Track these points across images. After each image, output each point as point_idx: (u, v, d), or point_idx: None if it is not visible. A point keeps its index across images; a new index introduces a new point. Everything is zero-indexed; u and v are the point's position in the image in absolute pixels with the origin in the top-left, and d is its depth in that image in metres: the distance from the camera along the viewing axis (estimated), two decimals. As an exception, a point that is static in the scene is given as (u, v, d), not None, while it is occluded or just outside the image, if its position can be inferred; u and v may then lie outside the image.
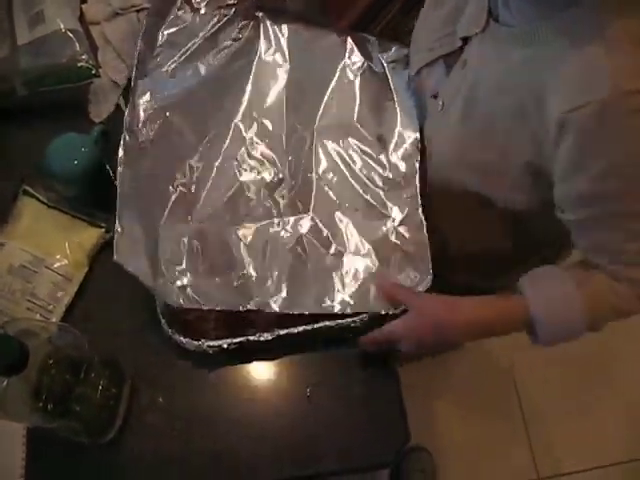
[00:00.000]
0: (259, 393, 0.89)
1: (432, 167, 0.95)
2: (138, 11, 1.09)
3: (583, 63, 0.67)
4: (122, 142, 0.89)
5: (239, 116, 0.98)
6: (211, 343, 0.85)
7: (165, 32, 1.01)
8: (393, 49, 1.04)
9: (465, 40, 0.85)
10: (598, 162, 0.69)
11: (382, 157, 0.96)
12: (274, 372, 0.90)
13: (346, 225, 0.92)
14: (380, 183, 0.95)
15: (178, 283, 0.86)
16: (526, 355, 1.80)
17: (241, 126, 0.98)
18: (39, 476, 0.84)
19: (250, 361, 0.89)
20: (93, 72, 1.00)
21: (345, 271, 0.89)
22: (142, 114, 0.94)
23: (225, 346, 0.85)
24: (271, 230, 0.91)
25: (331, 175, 0.95)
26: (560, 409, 1.80)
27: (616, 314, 0.80)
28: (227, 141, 0.97)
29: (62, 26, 1.01)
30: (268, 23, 1.04)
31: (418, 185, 0.93)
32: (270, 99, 1.00)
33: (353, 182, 0.95)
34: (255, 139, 0.97)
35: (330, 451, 0.86)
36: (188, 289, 0.86)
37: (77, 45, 1.01)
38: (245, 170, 0.95)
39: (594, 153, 0.69)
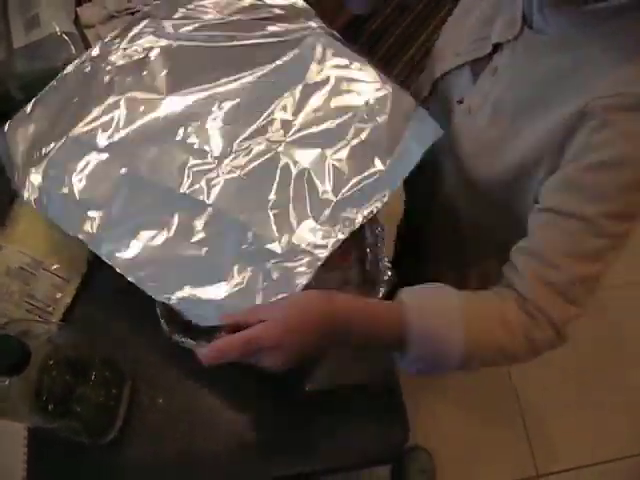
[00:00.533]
0: (259, 392, 0.89)
1: (461, 169, 0.93)
2: (133, 14, 1.10)
3: (628, 63, 0.68)
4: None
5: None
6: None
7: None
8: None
9: (495, 47, 0.85)
10: (603, 151, 0.69)
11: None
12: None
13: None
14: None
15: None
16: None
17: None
18: (41, 476, 0.84)
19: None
20: (89, 74, 1.00)
21: None
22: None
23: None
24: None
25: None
26: (558, 407, 1.81)
27: (500, 354, 0.75)
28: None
29: (58, 29, 1.02)
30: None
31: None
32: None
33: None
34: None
35: (329, 449, 0.86)
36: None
37: (73, 48, 1.02)
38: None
39: (605, 140, 0.68)
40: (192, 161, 0.87)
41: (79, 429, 0.80)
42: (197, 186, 0.85)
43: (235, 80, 0.94)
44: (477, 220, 0.98)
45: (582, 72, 0.72)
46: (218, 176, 0.86)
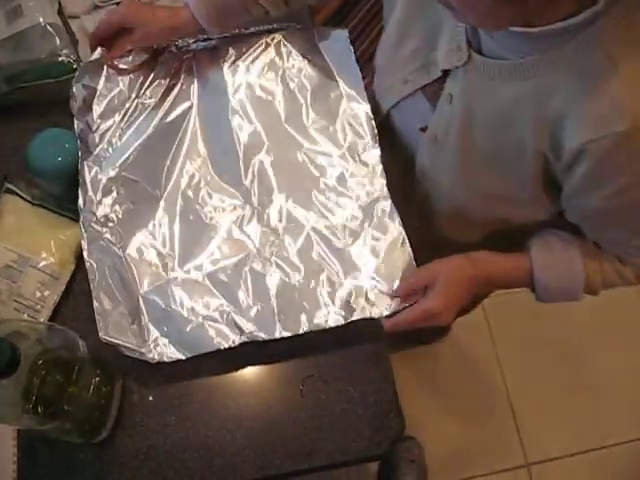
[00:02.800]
0: (251, 388, 0.88)
1: (432, 198, 0.95)
2: (117, 4, 1.07)
3: (597, 93, 0.68)
4: (82, 225, 0.88)
5: (190, 161, 0.94)
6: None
7: (99, 104, 0.96)
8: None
9: (445, 72, 0.83)
10: (611, 184, 0.73)
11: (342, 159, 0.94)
12: (267, 367, 0.89)
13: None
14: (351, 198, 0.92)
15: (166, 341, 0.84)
16: (512, 343, 1.82)
17: (194, 170, 0.94)
18: (31, 477, 0.83)
19: (243, 358, 0.88)
20: (74, 67, 0.98)
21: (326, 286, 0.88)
22: (94, 193, 0.90)
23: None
24: (249, 263, 0.88)
25: (294, 195, 0.92)
26: (547, 396, 1.82)
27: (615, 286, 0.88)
28: (182, 188, 0.93)
29: (41, 20, 0.99)
30: (203, 53, 1.00)
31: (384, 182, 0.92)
32: (219, 134, 0.96)
33: (317, 199, 0.92)
34: (212, 176, 0.93)
35: (324, 445, 0.86)
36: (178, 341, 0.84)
37: (57, 40, 0.99)
38: (209, 211, 0.91)
39: (607, 177, 0.72)
40: None
41: (70, 430, 0.79)
42: None
43: None
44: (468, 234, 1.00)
45: (554, 99, 0.71)
46: None
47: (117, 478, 0.83)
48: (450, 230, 1.00)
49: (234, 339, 0.84)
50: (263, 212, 0.91)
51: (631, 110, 0.66)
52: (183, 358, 0.83)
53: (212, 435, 0.85)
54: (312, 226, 0.90)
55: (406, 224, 0.90)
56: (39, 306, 0.87)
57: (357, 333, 0.89)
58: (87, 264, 0.86)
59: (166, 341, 0.83)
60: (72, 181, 0.90)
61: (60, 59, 0.98)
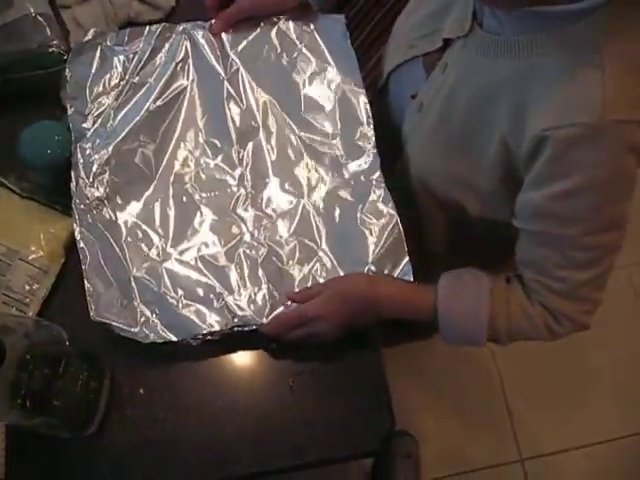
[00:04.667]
0: (242, 383, 0.88)
1: (410, 166, 0.94)
2: (109, -6, 1.06)
3: (576, 83, 0.66)
4: (73, 207, 0.87)
5: (184, 143, 0.93)
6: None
7: (93, 86, 0.94)
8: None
9: (447, 42, 0.83)
10: (563, 182, 0.69)
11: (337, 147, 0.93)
12: (257, 362, 0.89)
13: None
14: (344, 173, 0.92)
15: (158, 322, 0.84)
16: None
17: (187, 153, 0.93)
18: (21, 472, 0.82)
19: (233, 351, 0.88)
20: (65, 57, 0.97)
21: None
22: (86, 174, 0.89)
23: (210, 337, 0.84)
24: (242, 247, 0.88)
25: (287, 179, 0.92)
26: (542, 391, 1.81)
27: (523, 337, 0.84)
28: (175, 169, 0.92)
29: (32, 10, 0.98)
30: (199, 35, 0.99)
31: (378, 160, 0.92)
32: (213, 117, 0.95)
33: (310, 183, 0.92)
34: (206, 160, 0.93)
35: (315, 441, 0.85)
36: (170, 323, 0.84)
37: (48, 30, 0.97)
38: (203, 194, 0.91)
39: (563, 172, 0.69)
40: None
41: (59, 424, 0.78)
42: None
43: None
44: (434, 215, 0.98)
45: (534, 83, 0.70)
46: None
47: (107, 471, 0.83)
48: (419, 206, 0.98)
49: (226, 322, 0.83)
50: (257, 196, 0.90)
51: (603, 104, 0.64)
52: (174, 340, 0.82)
53: (203, 429, 0.85)
54: (305, 211, 0.89)
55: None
56: (28, 300, 0.86)
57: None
58: (79, 245, 0.85)
59: (158, 322, 0.83)
60: (62, 174, 0.88)
61: (51, 50, 0.96)
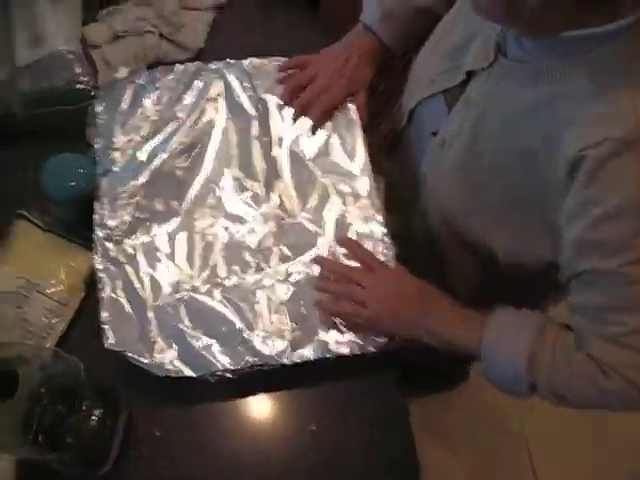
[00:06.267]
0: (261, 426, 0.85)
1: (431, 204, 0.93)
2: (140, 34, 1.07)
3: (606, 102, 0.65)
4: (95, 238, 0.86)
5: (213, 178, 0.93)
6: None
7: (122, 121, 0.95)
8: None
9: (469, 75, 0.83)
10: (603, 204, 0.67)
11: None
12: (277, 404, 0.86)
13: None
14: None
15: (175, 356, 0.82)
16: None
17: (215, 186, 0.93)
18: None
19: (253, 393, 0.85)
20: (92, 94, 0.98)
21: None
22: (110, 206, 0.89)
23: (229, 375, 0.81)
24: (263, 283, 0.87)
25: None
26: (566, 445, 1.75)
27: (566, 389, 0.76)
28: (203, 204, 0.92)
29: (62, 47, 0.99)
30: (231, 74, 1.00)
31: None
32: (243, 153, 0.95)
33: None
34: (234, 195, 0.92)
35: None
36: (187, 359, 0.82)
37: (77, 67, 0.99)
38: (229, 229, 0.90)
39: (602, 193, 0.67)
40: None
41: (71, 461, 0.75)
42: None
43: None
44: (457, 256, 0.95)
45: (563, 107, 0.69)
46: None
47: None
48: (446, 251, 0.96)
49: (246, 361, 0.81)
50: (283, 233, 0.90)
51: (636, 118, 0.63)
52: (191, 375, 0.80)
53: (219, 474, 0.82)
54: (332, 251, 0.89)
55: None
56: (45, 333, 0.85)
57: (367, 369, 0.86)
58: (97, 275, 0.85)
59: (175, 356, 0.81)
60: (85, 207, 0.88)
61: (78, 87, 0.98)
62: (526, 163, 0.74)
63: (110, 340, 0.81)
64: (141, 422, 0.83)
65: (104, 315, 0.82)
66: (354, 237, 0.89)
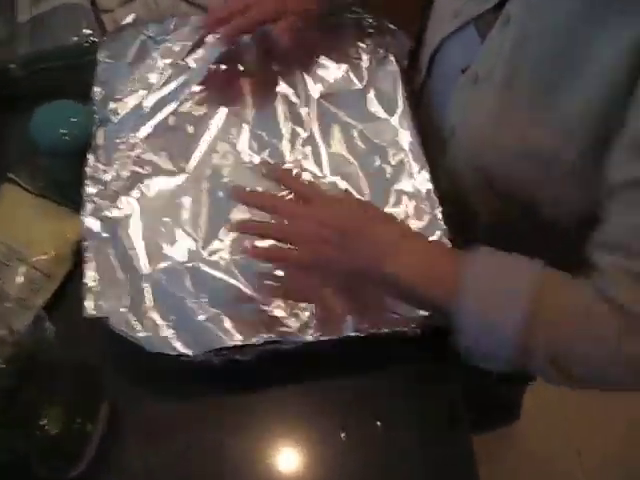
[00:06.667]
0: (275, 431, 0.68)
1: (460, 156, 0.78)
2: (148, -7, 0.97)
3: None
4: (85, 194, 0.73)
5: (227, 134, 0.80)
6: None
7: (127, 71, 0.84)
8: None
9: None
10: None
11: None
12: (298, 399, 0.70)
13: None
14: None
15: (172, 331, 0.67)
16: (588, 424, 1.58)
17: (229, 144, 0.80)
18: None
19: (267, 382, 0.69)
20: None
21: None
22: (106, 159, 0.77)
23: (237, 355, 0.66)
24: None
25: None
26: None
27: (574, 348, 0.57)
28: (213, 162, 0.79)
29: (68, 1, 0.89)
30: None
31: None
32: (264, 108, 0.83)
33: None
34: (251, 154, 0.79)
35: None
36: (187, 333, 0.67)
37: (84, 22, 0.89)
38: None
39: None
40: None
41: (38, 454, 0.61)
42: None
43: None
44: (494, 214, 0.79)
45: None
46: None
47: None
48: (476, 204, 0.80)
49: (259, 336, 0.65)
50: None
51: None
52: (189, 354, 0.65)
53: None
54: None
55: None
56: (21, 307, 0.71)
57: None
58: (84, 237, 0.71)
59: (171, 332, 0.66)
60: (78, 162, 0.75)
61: (85, 44, 0.87)
62: (590, 73, 0.59)
63: (91, 306, 0.66)
64: (126, 417, 0.68)
65: (88, 275, 0.68)
66: (394, 195, 0.75)
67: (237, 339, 0.65)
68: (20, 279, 0.72)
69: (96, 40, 0.87)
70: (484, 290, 0.58)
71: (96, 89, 0.81)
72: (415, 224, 0.73)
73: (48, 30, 0.88)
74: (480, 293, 0.58)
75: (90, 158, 0.75)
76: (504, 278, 0.59)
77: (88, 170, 0.74)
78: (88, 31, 0.87)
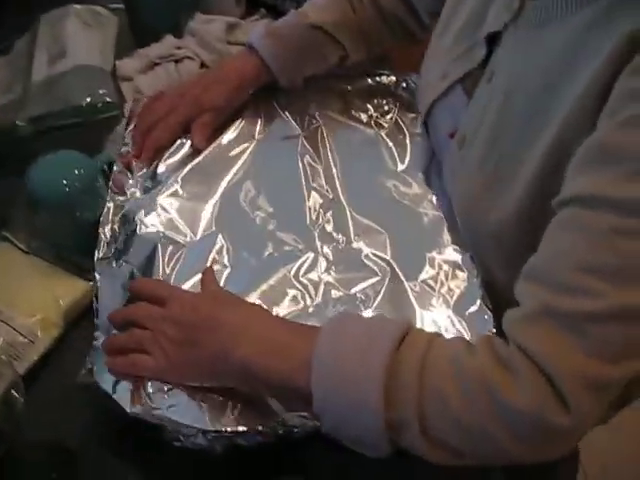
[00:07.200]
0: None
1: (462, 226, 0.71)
2: (177, 61, 0.94)
3: None
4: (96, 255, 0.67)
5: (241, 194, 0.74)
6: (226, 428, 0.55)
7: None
8: None
9: (490, 46, 0.65)
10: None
11: None
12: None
13: None
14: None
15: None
16: None
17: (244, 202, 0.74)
18: None
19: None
20: (114, 110, 0.83)
21: None
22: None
23: (239, 440, 0.55)
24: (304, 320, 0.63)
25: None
26: None
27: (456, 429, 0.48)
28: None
29: (85, 62, 0.86)
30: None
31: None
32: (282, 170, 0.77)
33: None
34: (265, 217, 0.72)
35: None
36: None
37: (99, 82, 0.85)
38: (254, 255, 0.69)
39: None
40: None
41: None
42: None
43: None
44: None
45: (624, 8, 0.49)
46: None
47: None
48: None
49: (261, 423, 0.55)
50: (329, 262, 0.68)
51: None
52: (182, 423, 0.54)
53: None
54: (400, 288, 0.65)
55: None
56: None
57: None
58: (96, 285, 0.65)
59: (164, 402, 0.56)
60: (75, 217, 0.69)
61: (99, 104, 0.82)
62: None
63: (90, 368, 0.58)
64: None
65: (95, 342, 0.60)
66: (428, 261, 0.67)
67: (234, 423, 0.55)
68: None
69: (110, 100, 0.82)
70: (334, 372, 0.51)
71: (121, 145, 0.77)
72: (453, 291, 0.64)
73: (62, 90, 0.84)
74: (330, 375, 0.51)
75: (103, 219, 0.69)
76: (355, 357, 0.51)
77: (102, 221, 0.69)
78: (102, 91, 0.83)
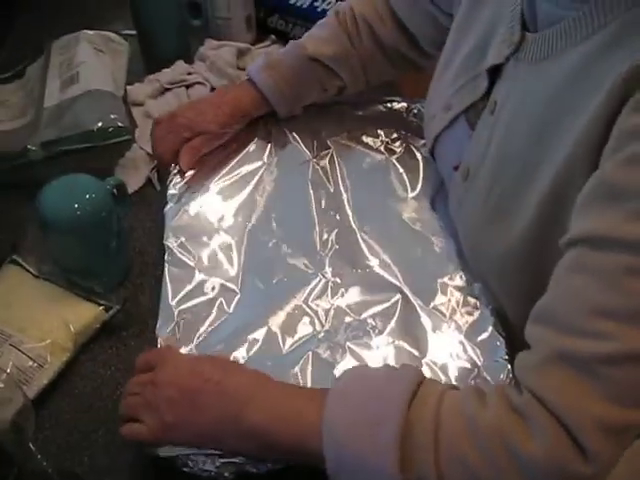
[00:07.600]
0: None
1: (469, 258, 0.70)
2: (187, 87, 0.95)
3: None
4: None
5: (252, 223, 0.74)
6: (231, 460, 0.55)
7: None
8: None
9: (492, 78, 0.65)
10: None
11: None
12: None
13: None
14: None
15: None
16: None
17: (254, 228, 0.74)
18: None
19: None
20: (125, 134, 0.83)
21: None
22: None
23: (251, 467, 0.55)
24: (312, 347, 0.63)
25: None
26: None
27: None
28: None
29: (96, 87, 0.87)
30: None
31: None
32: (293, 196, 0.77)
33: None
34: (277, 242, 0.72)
35: None
36: None
37: (110, 107, 0.85)
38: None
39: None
40: None
41: None
42: None
43: None
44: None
45: (623, 43, 0.49)
46: None
47: None
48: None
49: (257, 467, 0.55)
50: (339, 286, 0.67)
51: None
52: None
53: None
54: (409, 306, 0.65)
55: None
56: (8, 395, 0.61)
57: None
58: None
59: None
60: (88, 242, 0.69)
61: (111, 129, 0.83)
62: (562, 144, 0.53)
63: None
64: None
65: None
66: (440, 287, 0.66)
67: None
68: (8, 366, 0.63)
69: (121, 125, 0.83)
70: (346, 435, 0.50)
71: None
72: (465, 318, 0.64)
73: (74, 115, 0.85)
74: (342, 439, 0.50)
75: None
76: (367, 419, 0.50)
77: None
78: (114, 116, 0.83)
